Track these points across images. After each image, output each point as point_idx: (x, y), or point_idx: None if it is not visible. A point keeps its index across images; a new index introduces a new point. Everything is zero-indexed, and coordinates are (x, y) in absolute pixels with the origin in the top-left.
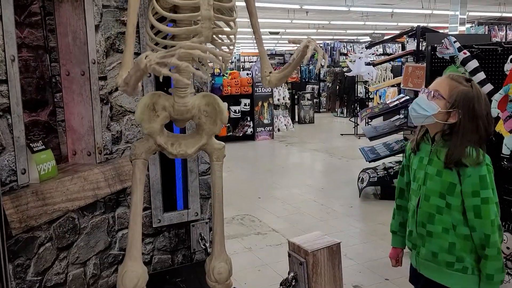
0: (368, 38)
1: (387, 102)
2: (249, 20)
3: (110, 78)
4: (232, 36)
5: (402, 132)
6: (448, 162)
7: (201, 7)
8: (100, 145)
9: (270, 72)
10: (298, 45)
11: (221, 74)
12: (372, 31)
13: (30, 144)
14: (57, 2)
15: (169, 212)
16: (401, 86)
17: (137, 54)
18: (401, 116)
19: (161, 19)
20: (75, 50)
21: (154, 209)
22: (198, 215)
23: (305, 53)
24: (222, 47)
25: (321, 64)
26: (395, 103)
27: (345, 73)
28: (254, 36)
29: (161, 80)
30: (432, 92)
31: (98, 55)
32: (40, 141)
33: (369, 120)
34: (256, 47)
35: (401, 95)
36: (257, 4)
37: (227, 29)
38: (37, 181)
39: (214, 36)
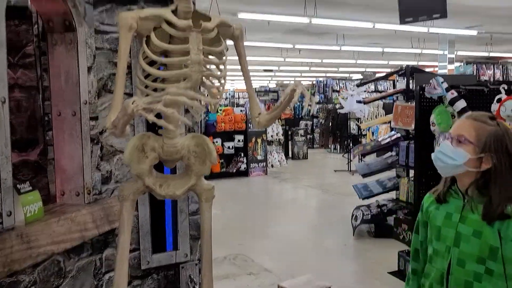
0: (360, 76)
1: (379, 140)
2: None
3: (102, 118)
4: (222, 79)
5: (394, 169)
6: (487, 216)
7: (191, 51)
8: (89, 185)
9: (259, 113)
10: (285, 88)
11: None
12: (363, 69)
13: (17, 186)
14: (51, 44)
15: (158, 253)
16: (391, 125)
17: (128, 94)
18: (393, 153)
19: (152, 62)
20: (67, 91)
21: (143, 250)
22: (188, 256)
23: (292, 96)
24: (212, 90)
25: (308, 105)
26: (387, 140)
27: (338, 110)
28: (243, 77)
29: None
30: (457, 137)
31: (90, 96)
32: (28, 182)
33: (362, 157)
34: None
35: (393, 132)
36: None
37: (217, 71)
38: (23, 223)
39: (203, 79)
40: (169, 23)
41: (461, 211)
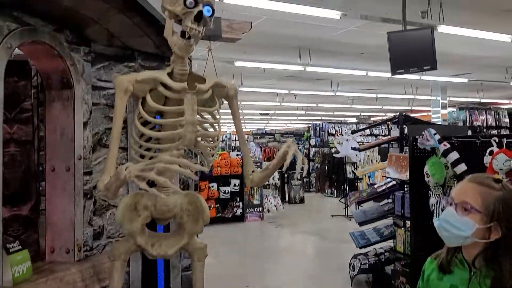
0: (355, 119)
1: (375, 186)
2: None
3: (96, 173)
4: (216, 138)
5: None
6: None
7: (186, 112)
8: (80, 241)
9: (252, 171)
10: (277, 149)
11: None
12: (358, 113)
13: (7, 245)
14: (49, 101)
15: None
16: (386, 174)
17: (123, 148)
18: (389, 200)
19: (146, 122)
20: (62, 147)
21: None
22: None
23: (285, 158)
24: (207, 150)
25: (301, 169)
26: (383, 187)
27: (334, 154)
28: (237, 136)
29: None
30: (462, 205)
31: (85, 151)
32: (17, 242)
33: (358, 204)
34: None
35: (389, 179)
36: (248, 89)
37: (211, 130)
38: (10, 284)
39: (198, 138)
40: (165, 86)
41: (467, 285)
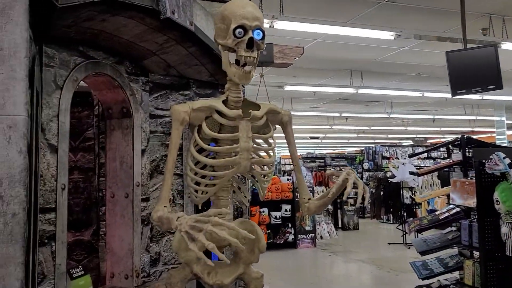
0: (410, 142)
1: (437, 213)
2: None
3: (153, 199)
4: (270, 164)
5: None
6: None
7: (240, 139)
8: (138, 268)
9: (309, 199)
10: (336, 176)
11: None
12: (414, 136)
13: (70, 270)
14: (109, 129)
15: None
16: (451, 201)
17: (179, 175)
18: (453, 228)
19: (202, 150)
20: (121, 174)
21: None
22: None
23: (344, 187)
24: (261, 177)
25: (362, 198)
26: (446, 215)
27: (389, 179)
28: (292, 163)
29: (199, 206)
30: None
31: (143, 178)
32: (80, 267)
33: (418, 232)
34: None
35: (451, 205)
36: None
37: (265, 156)
38: None
39: (252, 166)
40: (220, 113)
41: None
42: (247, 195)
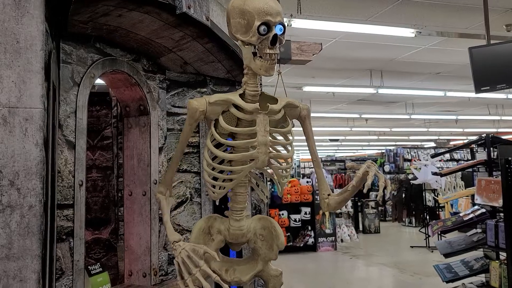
0: (432, 143)
1: (461, 215)
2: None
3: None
4: (289, 159)
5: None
6: None
7: (258, 133)
8: (156, 266)
9: (328, 195)
10: (356, 169)
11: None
12: (436, 137)
13: (88, 267)
14: (127, 127)
15: None
16: (475, 201)
17: (196, 173)
18: (479, 230)
19: (219, 145)
20: (139, 172)
21: None
22: None
23: (365, 179)
24: (279, 171)
25: (383, 191)
26: (470, 216)
27: (411, 181)
28: (311, 158)
29: (217, 203)
30: None
31: (160, 176)
32: (98, 264)
33: (442, 234)
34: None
35: (476, 207)
36: (316, 115)
37: (284, 152)
38: None
39: (270, 160)
40: (237, 107)
41: None
42: (265, 191)
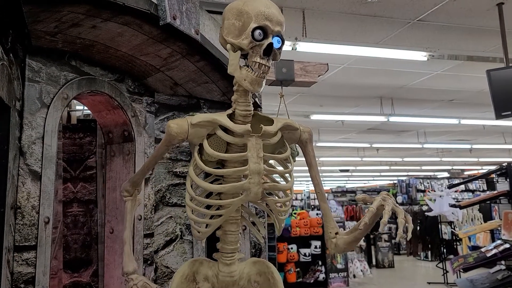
0: (446, 174)
1: (483, 250)
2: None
3: (157, 235)
4: (288, 191)
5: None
6: None
7: (250, 160)
8: None
9: (336, 233)
10: (368, 203)
11: (290, 214)
12: (450, 167)
13: None
14: (110, 156)
15: None
16: (502, 236)
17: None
18: (503, 267)
19: (206, 175)
20: (121, 206)
21: None
22: None
23: (380, 214)
24: (276, 206)
25: (403, 231)
26: (493, 251)
27: (426, 213)
28: (314, 190)
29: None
30: None
31: (146, 210)
32: None
33: (463, 271)
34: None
35: (499, 241)
36: (325, 144)
37: (283, 182)
38: None
39: (265, 192)
40: (225, 129)
41: None
42: (262, 230)
